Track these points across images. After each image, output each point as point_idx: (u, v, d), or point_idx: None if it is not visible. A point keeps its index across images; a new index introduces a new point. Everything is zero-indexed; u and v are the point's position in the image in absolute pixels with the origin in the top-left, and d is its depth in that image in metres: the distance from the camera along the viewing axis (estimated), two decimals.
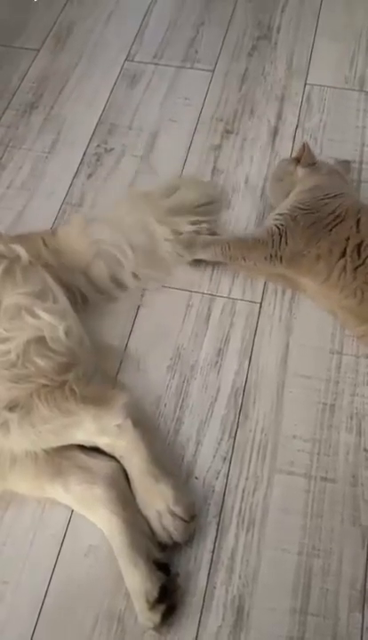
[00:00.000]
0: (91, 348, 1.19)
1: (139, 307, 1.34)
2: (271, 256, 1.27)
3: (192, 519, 1.07)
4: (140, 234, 1.33)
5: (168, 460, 1.14)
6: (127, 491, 1.08)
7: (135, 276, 1.33)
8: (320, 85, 1.69)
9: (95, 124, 1.65)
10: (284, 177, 1.42)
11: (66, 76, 1.76)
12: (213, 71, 1.74)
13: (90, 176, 1.55)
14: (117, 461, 1.11)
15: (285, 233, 1.27)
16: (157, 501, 1.06)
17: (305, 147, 1.40)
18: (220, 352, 1.28)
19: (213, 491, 1.13)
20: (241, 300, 1.34)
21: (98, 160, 1.58)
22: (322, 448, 1.17)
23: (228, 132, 1.62)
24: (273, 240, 1.27)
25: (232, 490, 1.13)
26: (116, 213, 1.37)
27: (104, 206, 1.47)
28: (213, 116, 1.65)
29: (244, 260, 1.30)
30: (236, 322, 1.31)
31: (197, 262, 1.36)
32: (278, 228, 1.28)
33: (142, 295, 1.35)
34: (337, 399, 1.22)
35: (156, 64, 1.77)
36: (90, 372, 1.14)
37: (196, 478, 1.14)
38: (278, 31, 1.82)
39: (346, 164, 1.47)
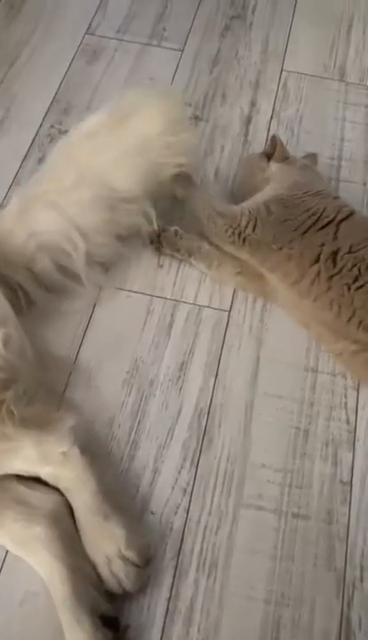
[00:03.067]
0: (34, 360, 1.03)
1: (92, 312, 1.18)
2: (234, 232, 1.16)
3: (146, 564, 0.93)
4: (93, 207, 1.13)
5: (121, 492, 1.00)
6: (72, 529, 0.94)
7: (89, 264, 1.14)
8: (297, 73, 1.56)
9: (49, 103, 1.48)
10: (256, 173, 1.29)
11: (18, 48, 1.58)
12: (182, 51, 1.59)
13: (41, 160, 1.37)
14: (61, 494, 0.96)
15: (255, 219, 1.15)
16: (106, 544, 0.91)
17: (276, 141, 1.28)
18: (183, 366, 1.14)
19: (171, 528, 0.99)
20: (208, 307, 1.20)
21: (51, 142, 1.41)
22: (294, 479, 1.04)
23: (196, 118, 1.47)
24: (240, 220, 1.16)
25: (192, 527, 1.00)
26: (62, 183, 1.13)
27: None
28: None
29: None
30: (201, 331, 1.17)
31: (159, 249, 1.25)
32: (250, 211, 1.17)
33: (96, 298, 1.19)
34: (311, 423, 1.09)
35: (119, 39, 1.61)
36: (32, 388, 0.99)
37: (153, 513, 1.00)
38: (253, 11, 1.68)
39: (313, 156, 1.35)
